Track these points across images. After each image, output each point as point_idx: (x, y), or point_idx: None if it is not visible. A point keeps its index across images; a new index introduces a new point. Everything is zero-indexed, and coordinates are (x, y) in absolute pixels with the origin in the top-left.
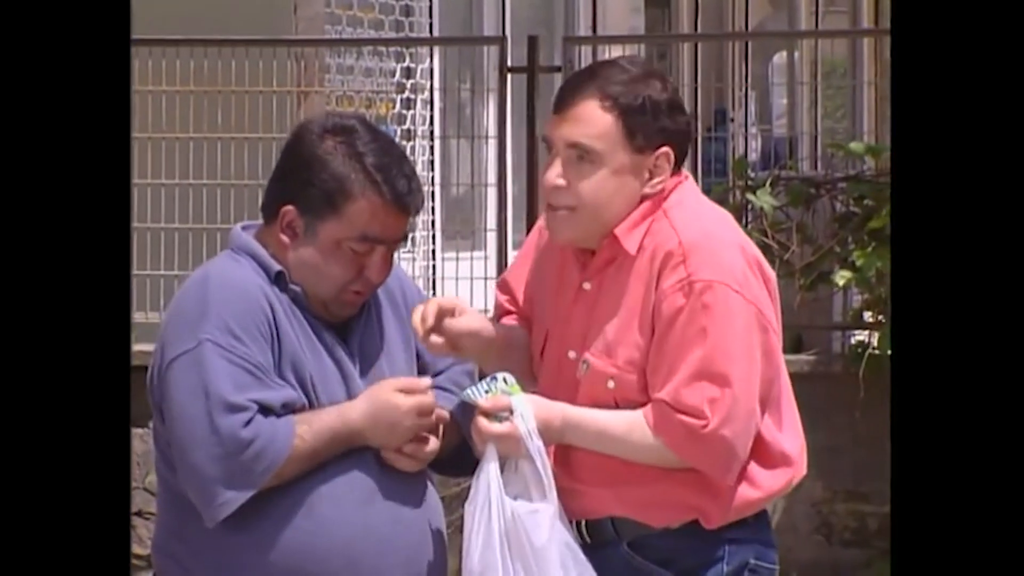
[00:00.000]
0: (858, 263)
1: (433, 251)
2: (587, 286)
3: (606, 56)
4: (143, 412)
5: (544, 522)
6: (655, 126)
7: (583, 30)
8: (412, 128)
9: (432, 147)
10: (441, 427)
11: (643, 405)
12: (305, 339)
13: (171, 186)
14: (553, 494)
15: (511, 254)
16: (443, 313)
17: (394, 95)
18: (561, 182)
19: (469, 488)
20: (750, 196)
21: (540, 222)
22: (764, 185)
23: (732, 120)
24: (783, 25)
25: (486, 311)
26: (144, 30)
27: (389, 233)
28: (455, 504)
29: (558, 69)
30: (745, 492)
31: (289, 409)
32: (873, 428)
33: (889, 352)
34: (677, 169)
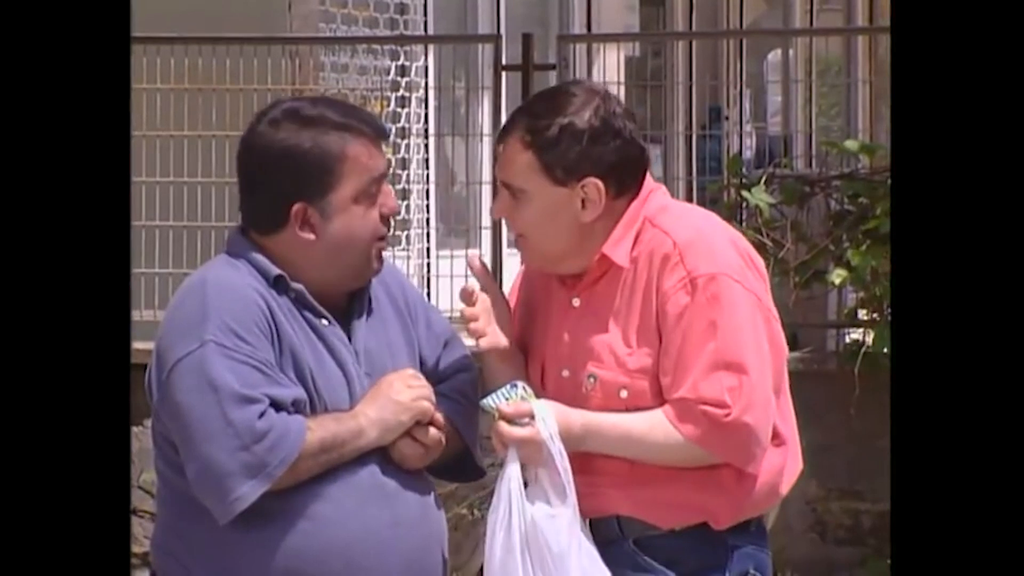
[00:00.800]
0: (853, 261)
1: (428, 249)
2: (576, 302)
3: (600, 54)
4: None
5: (563, 527)
6: (572, 157)
7: (578, 28)
8: (407, 126)
9: (427, 145)
10: (443, 435)
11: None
12: (307, 341)
13: (166, 184)
14: (573, 498)
15: (506, 252)
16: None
17: (389, 93)
18: (502, 216)
19: (459, 488)
20: (745, 194)
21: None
22: (759, 183)
23: (727, 118)
24: (778, 23)
25: None
26: (139, 28)
27: (383, 164)
28: (449, 503)
29: (553, 67)
30: (752, 487)
31: (299, 407)
32: (868, 426)
33: (884, 350)
34: (634, 190)
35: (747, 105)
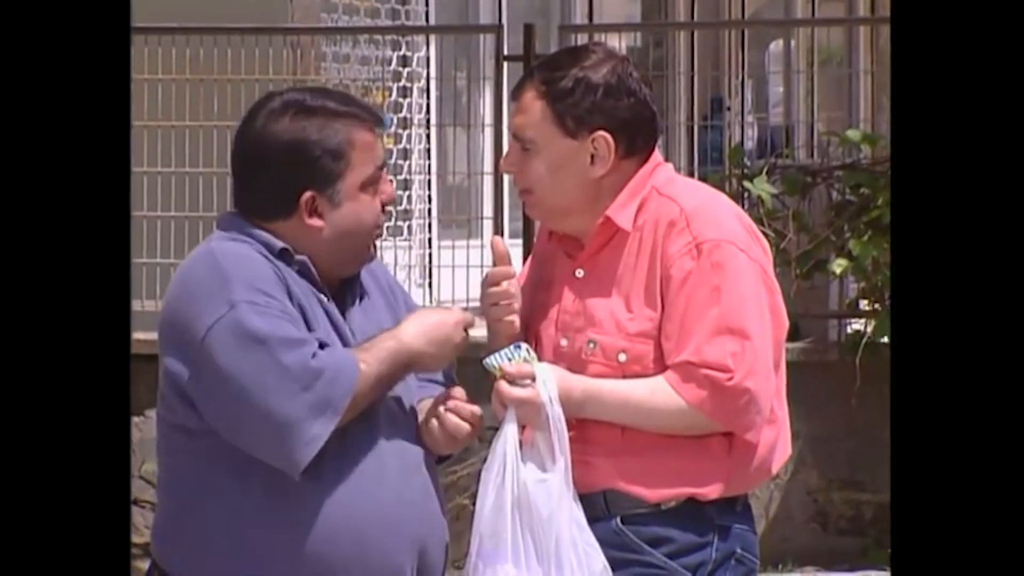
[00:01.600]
0: (854, 251)
1: (429, 239)
2: (580, 273)
3: None
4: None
5: (553, 492)
6: (585, 108)
7: (579, 18)
8: (408, 116)
9: (428, 135)
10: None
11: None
12: (309, 309)
13: (167, 174)
14: (564, 464)
15: (508, 242)
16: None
17: (390, 83)
18: (511, 168)
19: (461, 478)
20: (746, 184)
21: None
22: (760, 173)
23: (728, 108)
24: (779, 13)
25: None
26: (140, 18)
27: (383, 152)
28: (451, 493)
29: None
30: (742, 461)
31: None
32: (869, 417)
33: (885, 340)
34: (645, 156)
35: (749, 95)
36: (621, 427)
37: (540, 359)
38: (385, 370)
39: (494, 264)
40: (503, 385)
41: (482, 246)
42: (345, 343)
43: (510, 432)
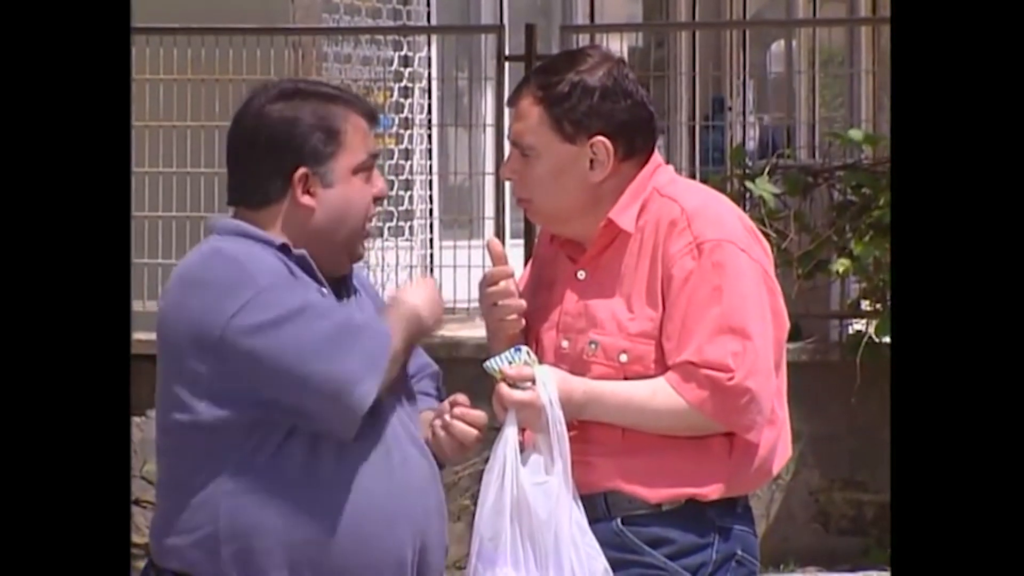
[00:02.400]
0: (856, 252)
1: (431, 239)
2: (581, 275)
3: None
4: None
5: (552, 494)
6: (582, 112)
7: (581, 18)
8: (410, 117)
9: (430, 136)
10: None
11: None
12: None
13: (168, 174)
14: (562, 467)
15: (508, 243)
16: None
17: (392, 84)
18: (512, 176)
19: (462, 479)
20: (748, 184)
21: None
22: (762, 174)
23: (730, 109)
24: (781, 13)
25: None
26: (143, 19)
27: (376, 144)
28: (453, 493)
29: None
30: (743, 461)
31: None
32: (870, 416)
33: (886, 340)
34: (644, 158)
35: (750, 95)
36: (622, 428)
37: (541, 361)
38: (408, 331)
39: (492, 265)
40: (503, 388)
41: (484, 246)
42: None
43: (510, 434)
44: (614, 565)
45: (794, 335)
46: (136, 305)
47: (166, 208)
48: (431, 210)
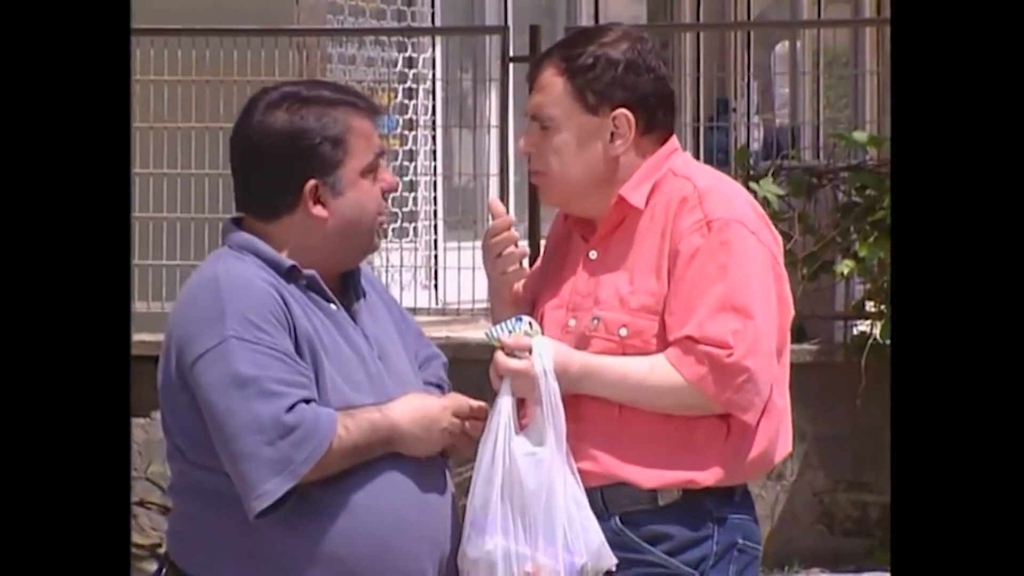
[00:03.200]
0: (860, 253)
1: (435, 241)
2: (593, 254)
3: None
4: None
5: (543, 465)
6: (605, 83)
7: (585, 19)
8: (414, 118)
9: (434, 137)
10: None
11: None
12: (322, 328)
13: (173, 176)
14: (554, 438)
15: None
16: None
17: (396, 85)
18: (531, 148)
19: (466, 480)
20: (752, 185)
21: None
22: (766, 175)
23: (734, 110)
24: (785, 14)
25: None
26: (146, 20)
27: (381, 140)
28: (457, 492)
29: None
30: (739, 448)
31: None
32: (874, 418)
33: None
34: (663, 135)
35: (754, 97)
36: (618, 408)
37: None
38: (364, 441)
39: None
40: (499, 356)
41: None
42: (359, 352)
43: (504, 404)
44: (617, 565)
45: (798, 336)
46: (140, 306)
47: (171, 209)
48: (435, 211)
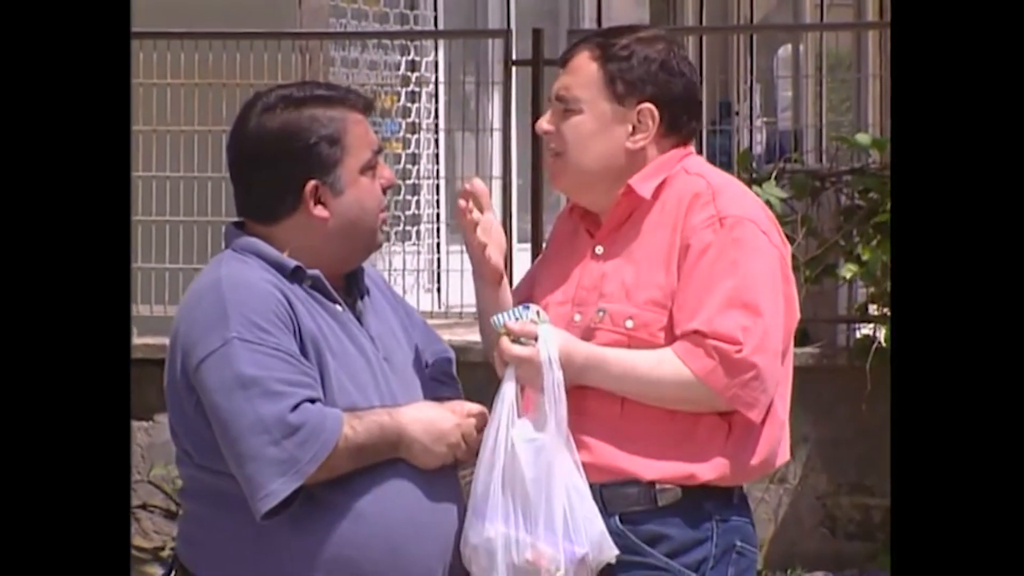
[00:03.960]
0: (863, 256)
1: (438, 244)
2: (599, 249)
3: None
4: (147, 406)
5: (542, 453)
6: (636, 76)
7: (588, 23)
8: (417, 121)
9: (437, 140)
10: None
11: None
12: (327, 328)
13: (176, 179)
14: (554, 425)
15: (516, 247)
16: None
17: (399, 88)
18: (549, 128)
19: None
20: (755, 189)
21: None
22: (769, 178)
23: (737, 113)
24: (788, 18)
25: None
26: (149, 23)
27: (377, 137)
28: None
29: None
30: (742, 453)
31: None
32: (878, 421)
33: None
34: (683, 140)
35: (757, 100)
36: (621, 403)
37: None
38: (371, 443)
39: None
40: (504, 342)
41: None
42: (365, 354)
43: (507, 390)
44: (616, 566)
45: (802, 340)
46: (142, 310)
47: (174, 212)
48: (438, 215)
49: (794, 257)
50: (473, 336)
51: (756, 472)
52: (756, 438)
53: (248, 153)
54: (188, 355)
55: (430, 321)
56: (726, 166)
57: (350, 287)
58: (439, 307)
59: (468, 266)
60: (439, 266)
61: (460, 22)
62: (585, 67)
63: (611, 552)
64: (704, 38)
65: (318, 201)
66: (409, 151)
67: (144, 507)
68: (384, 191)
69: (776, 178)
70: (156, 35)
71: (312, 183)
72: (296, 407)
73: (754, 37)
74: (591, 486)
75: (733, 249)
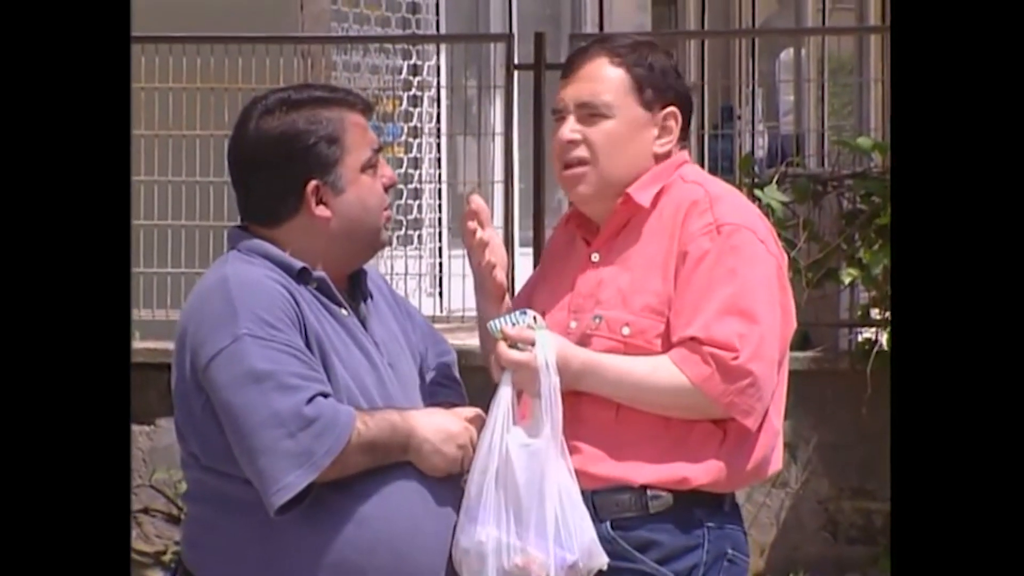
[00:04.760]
0: (865, 260)
1: (440, 248)
2: (596, 257)
3: None
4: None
5: (537, 457)
6: (663, 83)
7: (589, 27)
8: (419, 125)
9: (439, 144)
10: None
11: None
12: (332, 331)
13: (178, 183)
14: (548, 430)
15: (517, 251)
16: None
17: (401, 92)
18: (576, 136)
19: None
20: (757, 193)
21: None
22: (771, 182)
23: (739, 117)
24: (790, 22)
25: None
26: (151, 27)
27: (376, 139)
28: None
29: None
30: (735, 461)
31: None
32: (879, 425)
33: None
34: (683, 140)
35: (759, 104)
36: (615, 409)
37: None
38: (382, 440)
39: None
40: (501, 347)
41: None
42: (369, 357)
43: (503, 395)
44: (607, 572)
45: (803, 344)
46: (144, 314)
47: (175, 216)
48: (440, 219)
49: (796, 261)
50: (474, 340)
51: (749, 479)
52: (750, 446)
53: (248, 156)
54: (197, 354)
55: None
56: (728, 170)
57: (354, 290)
58: (440, 311)
59: (469, 271)
60: (441, 270)
61: (462, 26)
62: (608, 73)
63: (601, 559)
64: (706, 42)
65: (320, 201)
66: (411, 155)
67: (146, 511)
68: (386, 189)
69: (778, 182)
70: (157, 39)
71: (313, 183)
72: (311, 400)
73: (756, 41)
74: (583, 492)
75: (731, 257)
